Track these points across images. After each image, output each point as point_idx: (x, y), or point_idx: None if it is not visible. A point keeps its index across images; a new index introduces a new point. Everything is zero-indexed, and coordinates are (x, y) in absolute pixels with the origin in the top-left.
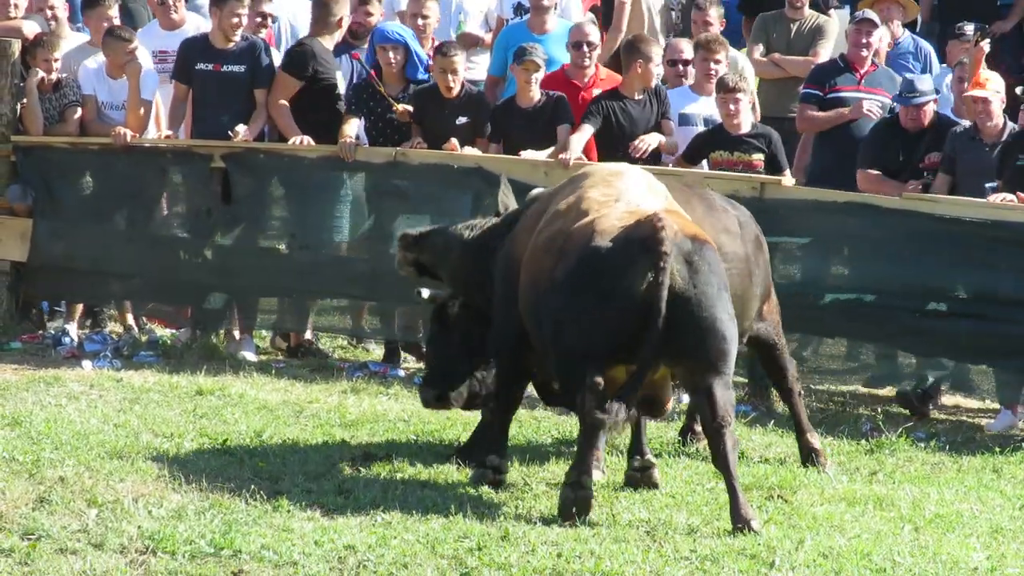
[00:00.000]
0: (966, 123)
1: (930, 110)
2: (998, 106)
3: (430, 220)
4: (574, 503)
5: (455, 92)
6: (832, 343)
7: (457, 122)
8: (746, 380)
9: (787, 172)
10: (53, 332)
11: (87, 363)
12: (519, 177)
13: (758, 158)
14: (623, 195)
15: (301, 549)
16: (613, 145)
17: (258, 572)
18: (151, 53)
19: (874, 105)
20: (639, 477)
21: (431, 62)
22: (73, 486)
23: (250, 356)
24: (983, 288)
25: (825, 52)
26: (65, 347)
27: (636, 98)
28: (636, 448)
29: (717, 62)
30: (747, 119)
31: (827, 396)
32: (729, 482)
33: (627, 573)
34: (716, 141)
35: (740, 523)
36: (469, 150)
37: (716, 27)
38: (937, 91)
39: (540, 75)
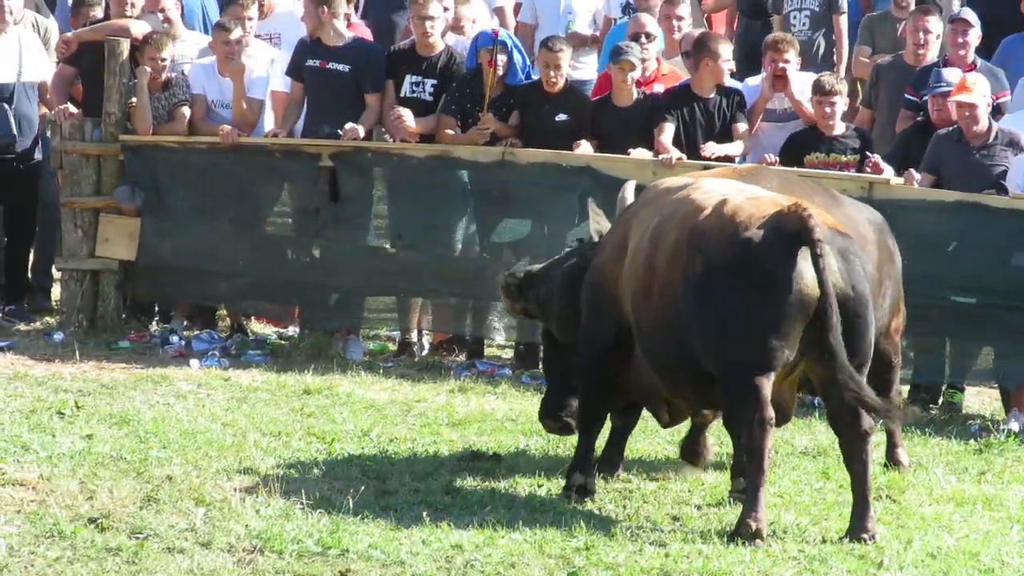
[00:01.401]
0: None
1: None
2: (984, 110)
3: (537, 220)
4: (752, 536)
5: (557, 87)
6: (940, 343)
7: (557, 119)
8: None
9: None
10: (161, 331)
11: (195, 362)
12: (627, 176)
13: (853, 159)
14: (731, 187)
15: (409, 548)
16: (680, 145)
17: (366, 571)
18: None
19: None
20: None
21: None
22: (181, 485)
23: (357, 356)
24: None
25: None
26: (173, 346)
27: (707, 97)
28: (740, 469)
29: (786, 61)
30: (841, 120)
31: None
32: (863, 490)
33: (735, 573)
34: (810, 143)
35: (865, 534)
36: (583, 148)
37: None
38: None
39: (636, 74)
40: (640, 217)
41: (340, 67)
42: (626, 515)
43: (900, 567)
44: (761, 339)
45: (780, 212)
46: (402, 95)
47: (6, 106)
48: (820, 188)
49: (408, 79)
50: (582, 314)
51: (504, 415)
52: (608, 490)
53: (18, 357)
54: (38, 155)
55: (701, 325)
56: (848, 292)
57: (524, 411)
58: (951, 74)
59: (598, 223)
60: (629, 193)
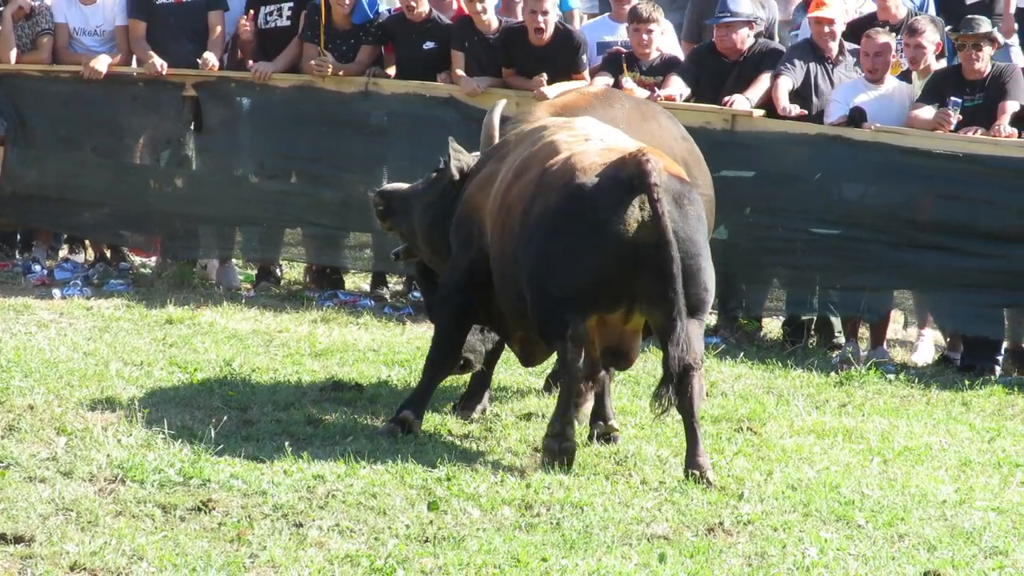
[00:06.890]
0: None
1: (743, 36)
2: (841, 27)
3: (402, 150)
4: (558, 454)
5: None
6: (801, 275)
7: (424, 47)
8: (716, 312)
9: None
10: (23, 260)
11: (57, 291)
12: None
13: (659, 80)
14: (592, 134)
15: (270, 478)
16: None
17: (227, 501)
18: None
19: None
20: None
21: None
22: (42, 414)
23: (235, 283)
24: (952, 220)
25: None
26: (35, 275)
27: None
28: (599, 412)
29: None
30: (655, 49)
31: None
32: (691, 425)
33: (596, 504)
34: (629, 65)
35: (695, 469)
36: (461, 78)
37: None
38: None
39: (490, 4)
40: (512, 150)
41: None
42: (488, 446)
43: (761, 499)
44: (581, 281)
45: (621, 159)
46: (260, 27)
47: None
48: (658, 110)
49: (263, 11)
50: (452, 246)
51: (366, 346)
52: (470, 420)
53: None
54: None
55: (529, 264)
56: (680, 236)
57: (386, 342)
58: (738, 5)
59: (459, 160)
60: (496, 118)
